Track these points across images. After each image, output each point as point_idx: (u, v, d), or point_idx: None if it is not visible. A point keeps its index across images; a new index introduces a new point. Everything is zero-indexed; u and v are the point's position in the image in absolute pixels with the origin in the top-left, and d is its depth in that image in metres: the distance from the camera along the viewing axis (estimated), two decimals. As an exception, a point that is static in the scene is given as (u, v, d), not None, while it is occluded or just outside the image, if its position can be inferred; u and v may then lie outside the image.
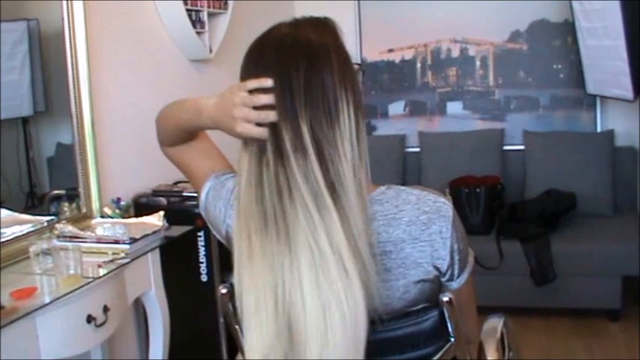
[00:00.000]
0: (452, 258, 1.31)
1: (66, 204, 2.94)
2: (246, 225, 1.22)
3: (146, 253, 2.70)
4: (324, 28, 1.29)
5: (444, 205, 1.29)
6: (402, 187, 1.32)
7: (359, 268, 1.17)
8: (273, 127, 1.22)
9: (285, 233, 1.18)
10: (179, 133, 1.49)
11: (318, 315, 1.15)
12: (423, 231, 1.27)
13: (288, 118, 1.20)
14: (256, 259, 1.20)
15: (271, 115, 1.22)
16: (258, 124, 1.23)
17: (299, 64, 1.21)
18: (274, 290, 1.18)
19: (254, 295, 1.19)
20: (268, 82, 1.23)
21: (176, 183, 3.38)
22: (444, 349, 1.38)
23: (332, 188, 1.18)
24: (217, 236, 1.47)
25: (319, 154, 1.19)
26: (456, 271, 1.34)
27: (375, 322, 1.23)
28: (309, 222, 1.17)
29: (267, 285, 1.18)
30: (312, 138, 1.19)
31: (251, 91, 1.24)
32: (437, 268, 1.31)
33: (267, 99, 1.22)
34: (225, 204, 1.41)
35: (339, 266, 1.16)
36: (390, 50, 5.23)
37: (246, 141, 1.27)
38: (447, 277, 1.34)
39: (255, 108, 1.23)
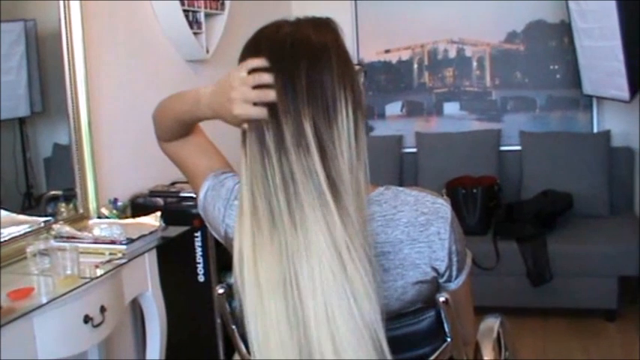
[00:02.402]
0: (450, 259, 1.31)
1: (63, 204, 2.94)
2: (248, 221, 1.21)
3: (143, 253, 2.70)
4: (325, 27, 1.28)
5: (443, 207, 1.30)
6: (401, 188, 1.32)
7: (364, 266, 1.17)
8: (275, 121, 1.20)
9: (293, 227, 1.17)
10: (177, 126, 1.47)
11: (326, 306, 1.15)
12: (422, 232, 1.28)
13: (290, 113, 1.19)
14: (264, 253, 1.19)
15: (271, 94, 1.20)
16: (256, 106, 1.22)
17: (299, 63, 1.21)
18: (283, 284, 1.17)
19: (259, 291, 1.18)
20: (265, 62, 1.22)
21: (173, 183, 3.38)
22: (441, 349, 1.38)
23: (333, 186, 1.18)
24: (216, 236, 1.46)
25: (321, 150, 1.19)
26: (454, 273, 1.35)
27: None
28: (317, 217, 1.16)
29: (274, 279, 1.17)
30: (314, 134, 1.19)
31: (249, 74, 1.23)
32: (435, 270, 1.31)
33: (268, 77, 1.21)
34: (224, 204, 1.40)
35: (349, 261, 1.16)
36: (387, 51, 5.24)
37: (245, 136, 1.25)
38: (445, 278, 1.34)
39: (254, 89, 1.22)
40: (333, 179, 1.18)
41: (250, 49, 1.28)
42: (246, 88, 1.21)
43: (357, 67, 1.30)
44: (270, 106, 1.21)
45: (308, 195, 1.17)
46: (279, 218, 1.18)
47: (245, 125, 1.24)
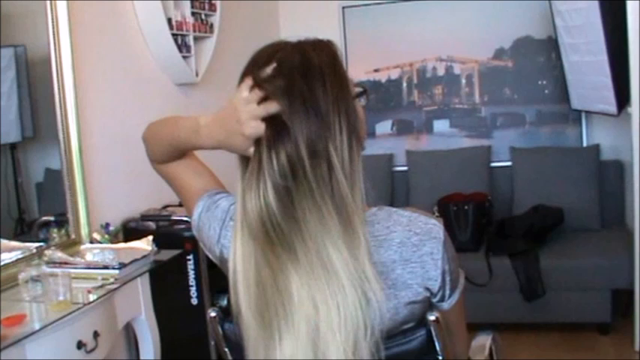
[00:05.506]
0: (443, 279, 1.31)
1: (55, 230, 2.94)
2: (244, 240, 1.22)
3: (135, 277, 2.70)
4: (325, 50, 1.27)
5: (435, 227, 1.30)
6: (394, 209, 1.32)
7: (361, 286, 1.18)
8: (276, 140, 1.20)
9: (289, 248, 1.18)
10: (172, 151, 1.46)
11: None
12: (414, 252, 1.28)
13: (292, 130, 1.19)
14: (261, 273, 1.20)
15: (274, 104, 1.20)
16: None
17: (298, 84, 1.21)
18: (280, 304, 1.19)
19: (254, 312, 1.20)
20: (252, 80, 1.23)
21: (165, 207, 3.38)
22: (432, 368, 1.38)
23: (330, 207, 1.19)
24: (210, 256, 1.46)
25: (318, 172, 1.19)
26: (447, 292, 1.35)
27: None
28: (314, 236, 1.18)
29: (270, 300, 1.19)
30: (310, 155, 1.18)
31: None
32: (428, 290, 1.31)
33: (260, 92, 1.22)
34: (220, 224, 1.40)
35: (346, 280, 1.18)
36: (376, 70, 5.26)
37: (244, 158, 1.26)
38: (437, 298, 1.34)
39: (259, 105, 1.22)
40: (330, 201, 1.18)
41: (255, 64, 1.27)
42: (252, 106, 1.21)
43: (357, 90, 1.29)
44: (272, 123, 1.21)
45: (304, 216, 1.18)
46: (276, 239, 1.19)
47: (252, 150, 1.23)
